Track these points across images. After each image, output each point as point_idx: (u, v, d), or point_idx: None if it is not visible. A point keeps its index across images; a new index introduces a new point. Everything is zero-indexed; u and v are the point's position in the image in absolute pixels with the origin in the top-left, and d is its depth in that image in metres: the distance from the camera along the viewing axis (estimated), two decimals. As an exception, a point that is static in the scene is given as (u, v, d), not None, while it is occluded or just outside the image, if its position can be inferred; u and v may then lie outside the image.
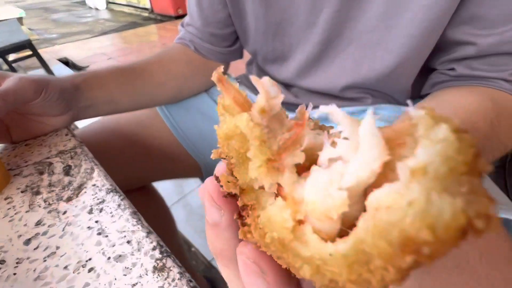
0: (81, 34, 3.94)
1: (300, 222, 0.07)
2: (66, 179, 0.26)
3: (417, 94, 0.38)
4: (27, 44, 1.86)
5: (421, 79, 0.36)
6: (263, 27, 0.41)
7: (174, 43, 0.50)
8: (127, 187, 0.50)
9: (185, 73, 0.48)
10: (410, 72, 0.34)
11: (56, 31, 4.28)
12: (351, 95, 0.39)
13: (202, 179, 0.59)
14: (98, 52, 3.01)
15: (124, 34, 3.83)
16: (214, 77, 0.10)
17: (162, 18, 4.61)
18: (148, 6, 4.90)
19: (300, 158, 0.08)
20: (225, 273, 0.11)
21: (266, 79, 0.09)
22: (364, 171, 0.06)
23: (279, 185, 0.08)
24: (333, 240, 0.07)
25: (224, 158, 0.09)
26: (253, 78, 0.10)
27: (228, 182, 0.09)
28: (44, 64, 2.07)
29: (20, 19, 3.33)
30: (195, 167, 0.55)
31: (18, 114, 0.32)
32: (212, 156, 0.11)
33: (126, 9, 5.60)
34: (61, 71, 2.40)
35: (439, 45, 0.31)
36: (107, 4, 5.95)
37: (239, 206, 0.09)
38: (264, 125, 0.08)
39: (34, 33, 4.13)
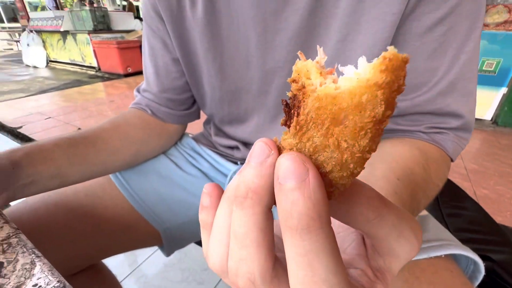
0: (15, 93, 3.61)
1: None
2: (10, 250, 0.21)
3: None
4: None
5: None
6: (219, 95, 0.44)
7: (129, 108, 0.50)
8: (74, 269, 0.43)
9: (142, 137, 0.47)
10: None
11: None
12: None
13: (161, 247, 0.54)
14: (34, 112, 2.76)
15: (66, 92, 3.64)
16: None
17: (110, 76, 4.57)
18: (94, 64, 4.85)
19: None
20: (253, 218, 0.12)
21: None
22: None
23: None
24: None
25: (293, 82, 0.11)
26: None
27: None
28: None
29: None
30: (154, 235, 0.50)
31: None
32: (288, 80, 0.12)
33: (69, 67, 5.44)
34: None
35: None
36: (47, 63, 5.71)
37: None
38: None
39: (-49, 93, 3.66)
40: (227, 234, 0.13)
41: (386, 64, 0.09)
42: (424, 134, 0.34)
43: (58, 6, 5.65)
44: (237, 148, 0.49)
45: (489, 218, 0.55)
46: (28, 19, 5.90)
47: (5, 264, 0.23)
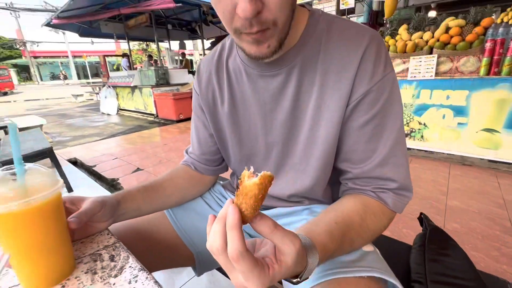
0: (92, 136, 4.43)
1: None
2: (112, 264, 0.42)
3: (336, 197, 0.59)
4: (48, 152, 2.16)
5: (338, 188, 0.57)
6: (238, 157, 0.65)
7: (180, 164, 0.74)
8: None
9: (187, 185, 0.69)
10: (321, 187, 0.56)
11: (70, 134, 4.80)
12: (294, 199, 0.59)
13: (194, 267, 0.72)
14: (105, 153, 3.36)
15: (130, 136, 4.33)
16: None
17: (165, 122, 5.32)
18: (154, 112, 5.71)
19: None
20: (242, 265, 0.28)
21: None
22: None
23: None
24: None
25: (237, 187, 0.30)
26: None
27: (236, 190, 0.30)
28: (57, 164, 2.32)
29: (40, 126, 3.82)
30: (189, 257, 0.69)
31: (81, 225, 0.50)
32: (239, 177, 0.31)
33: (134, 114, 6.45)
34: (70, 171, 2.65)
35: (338, 172, 0.55)
36: (118, 111, 6.89)
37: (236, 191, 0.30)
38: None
39: (49, 136, 4.61)
40: (213, 234, 0.31)
41: (262, 177, 0.28)
42: (371, 192, 0.49)
43: (131, 67, 6.98)
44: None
45: (471, 267, 0.62)
46: (108, 77, 7.36)
47: (115, 256, 0.44)
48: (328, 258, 0.39)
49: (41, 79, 31.32)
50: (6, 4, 19.26)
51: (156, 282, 0.38)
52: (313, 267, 0.35)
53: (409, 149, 2.74)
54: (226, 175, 0.82)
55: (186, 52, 8.80)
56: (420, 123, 2.61)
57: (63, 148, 3.77)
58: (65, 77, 26.86)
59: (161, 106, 5.39)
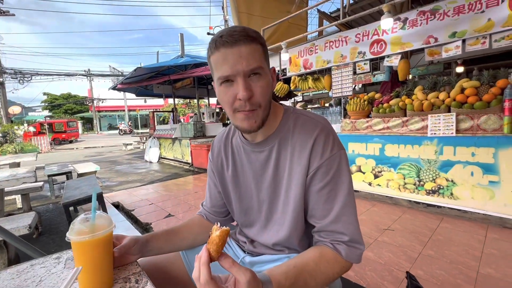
0: (134, 182, 4.94)
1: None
2: (136, 285, 0.61)
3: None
4: (98, 196, 2.54)
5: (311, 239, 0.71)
6: (239, 211, 0.84)
7: (196, 214, 0.94)
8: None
9: (199, 231, 0.88)
10: (296, 237, 0.70)
11: (116, 179, 5.40)
12: (278, 248, 0.74)
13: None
14: (143, 198, 3.73)
15: (166, 183, 4.74)
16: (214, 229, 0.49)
17: (198, 170, 5.74)
18: (189, 161, 6.23)
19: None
20: (198, 286, 0.45)
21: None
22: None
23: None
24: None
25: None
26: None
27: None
28: (103, 207, 2.68)
29: (94, 172, 4.41)
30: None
31: (120, 255, 0.70)
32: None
33: (172, 163, 7.05)
34: (113, 213, 3.01)
35: (310, 226, 0.70)
36: (159, 159, 7.62)
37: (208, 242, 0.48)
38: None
39: (100, 181, 5.23)
40: (194, 269, 0.49)
41: (222, 231, 0.47)
42: (329, 244, 0.63)
43: (175, 121, 7.92)
44: (245, 243, 0.84)
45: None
46: (155, 129, 8.38)
47: (139, 280, 0.63)
48: None
49: (100, 129, 36.20)
50: (85, 71, 23.95)
51: (169, 278, 0.55)
52: None
53: (439, 207, 2.62)
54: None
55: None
56: (447, 180, 2.54)
57: (109, 192, 4.26)
58: (130, 131, 29.04)
59: (196, 156, 5.90)
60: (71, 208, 2.89)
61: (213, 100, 10.20)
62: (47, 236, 2.66)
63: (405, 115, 2.82)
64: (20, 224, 1.91)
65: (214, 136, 6.43)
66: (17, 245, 1.34)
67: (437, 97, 2.63)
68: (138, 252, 0.72)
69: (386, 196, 3.00)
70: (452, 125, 2.45)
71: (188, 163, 6.32)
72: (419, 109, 2.67)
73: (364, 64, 3.18)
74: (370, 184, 3.12)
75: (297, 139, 0.68)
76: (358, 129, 3.15)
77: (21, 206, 3.40)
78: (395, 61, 2.88)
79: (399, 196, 2.90)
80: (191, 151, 6.08)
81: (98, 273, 0.57)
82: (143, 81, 7.14)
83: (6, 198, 3.25)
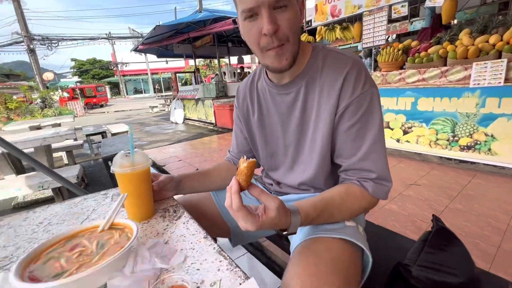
0: (163, 141, 5.20)
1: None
2: (174, 214, 0.67)
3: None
4: (132, 151, 2.73)
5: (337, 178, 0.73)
6: (265, 155, 0.86)
7: (224, 160, 0.98)
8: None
9: (227, 175, 0.92)
10: (322, 176, 0.72)
11: (147, 139, 5.71)
12: (303, 187, 0.76)
13: (230, 239, 0.94)
14: (172, 155, 3.95)
15: (192, 142, 4.93)
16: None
17: (222, 130, 5.85)
18: (213, 121, 6.34)
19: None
20: (240, 214, 0.49)
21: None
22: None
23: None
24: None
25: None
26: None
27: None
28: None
29: (126, 132, 4.70)
30: (227, 230, 0.92)
31: (159, 190, 0.77)
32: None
33: (196, 123, 7.23)
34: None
35: (336, 166, 0.70)
36: (184, 120, 7.84)
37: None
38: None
39: (131, 141, 5.57)
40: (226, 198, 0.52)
41: (249, 162, 0.48)
42: (356, 181, 0.63)
43: (197, 82, 7.90)
44: (271, 184, 0.87)
45: (469, 264, 0.68)
46: (178, 91, 8.47)
47: (177, 211, 0.69)
48: (310, 222, 0.56)
49: (127, 93, 37.41)
50: (106, 34, 23.98)
51: (199, 224, 0.61)
52: (296, 225, 0.53)
53: (472, 163, 2.49)
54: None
55: (244, 65, 9.50)
56: (486, 135, 2.37)
57: (142, 150, 4.56)
58: (159, 90, 29.95)
59: (219, 116, 5.98)
60: (110, 163, 3.15)
61: (234, 60, 9.90)
62: (92, 187, 2.98)
63: (445, 65, 2.54)
64: (69, 174, 2.13)
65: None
66: (71, 188, 1.52)
67: (487, 41, 2.31)
68: (173, 189, 0.78)
69: (415, 153, 2.89)
70: (501, 73, 2.18)
71: (212, 123, 6.45)
72: (463, 57, 2.39)
73: (402, 6, 2.82)
74: (398, 140, 3.01)
75: (326, 78, 0.65)
76: (389, 82, 2.94)
77: (67, 162, 3.79)
78: (439, 0, 2.51)
79: (429, 152, 2.78)
80: (214, 111, 6.15)
81: (140, 202, 0.64)
82: (163, 41, 7.03)
83: (54, 155, 3.61)
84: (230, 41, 8.06)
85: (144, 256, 0.46)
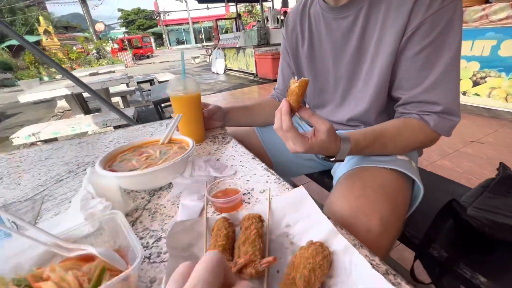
0: (205, 91, 5.33)
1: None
2: (223, 140, 0.71)
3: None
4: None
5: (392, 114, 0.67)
6: (312, 91, 0.82)
7: (269, 97, 0.97)
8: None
9: (271, 111, 0.92)
10: (374, 112, 0.66)
11: (190, 89, 5.91)
12: (352, 123, 0.73)
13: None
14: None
15: (233, 92, 4.97)
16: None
17: (263, 81, 5.73)
18: (254, 71, 6.19)
19: None
20: (290, 134, 0.48)
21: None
22: None
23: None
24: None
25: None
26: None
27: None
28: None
29: (172, 81, 4.91)
30: (269, 164, 0.95)
31: (208, 118, 0.81)
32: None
33: (237, 74, 7.16)
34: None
35: (392, 101, 0.64)
36: (225, 70, 7.80)
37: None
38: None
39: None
40: (275, 120, 0.52)
41: (301, 81, 0.45)
42: (416, 115, 0.58)
43: (238, 29, 7.56)
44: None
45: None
46: (219, 39, 8.27)
47: (225, 137, 0.73)
48: (360, 151, 0.54)
49: (170, 44, 37.91)
50: (148, -20, 23.49)
51: (246, 148, 0.64)
52: (345, 152, 0.51)
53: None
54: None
55: (289, 10, 8.68)
56: None
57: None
58: (202, 40, 30.07)
59: (260, 66, 5.79)
60: (159, 107, 3.38)
61: (277, 4, 9.07)
62: (146, 129, 3.29)
63: (550, -6, 1.99)
64: (127, 114, 2.36)
65: (278, 44, 6.04)
66: (132, 124, 1.70)
67: None
68: (221, 119, 0.82)
69: (484, 108, 2.52)
70: None
71: (253, 74, 6.32)
72: None
73: None
74: (464, 93, 2.62)
75: None
76: (467, 21, 2.44)
77: (123, 107, 4.18)
78: None
79: (502, 108, 2.39)
80: (255, 60, 5.96)
81: (192, 125, 0.68)
82: (204, -17, 6.64)
83: (111, 99, 3.99)
84: (274, -19, 7.29)
85: (200, 166, 0.50)
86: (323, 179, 0.97)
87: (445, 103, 0.55)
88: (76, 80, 1.45)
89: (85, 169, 0.61)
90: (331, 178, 0.77)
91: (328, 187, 0.93)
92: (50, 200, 0.49)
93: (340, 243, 0.29)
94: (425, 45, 0.54)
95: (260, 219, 0.34)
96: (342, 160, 0.54)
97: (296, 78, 0.48)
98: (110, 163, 0.50)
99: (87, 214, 0.35)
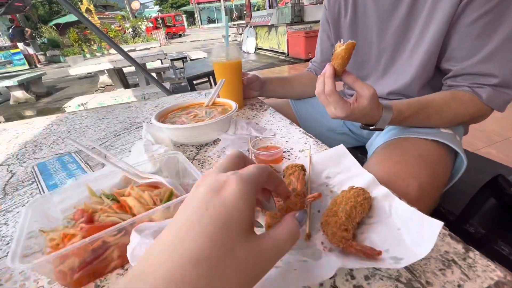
0: (235, 70, 5.34)
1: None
2: (260, 107, 0.74)
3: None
4: (210, 74, 2.92)
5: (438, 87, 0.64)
6: (352, 64, 0.80)
7: (306, 70, 0.97)
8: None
9: (307, 83, 0.92)
10: (418, 85, 0.63)
11: (220, 67, 5.96)
12: (393, 97, 0.71)
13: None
14: (245, 82, 4.08)
15: (263, 71, 4.91)
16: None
17: (294, 61, 5.57)
18: (285, 51, 6.03)
19: None
20: (332, 98, 0.49)
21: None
22: None
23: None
24: None
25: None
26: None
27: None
28: (211, 86, 3.12)
29: (204, 58, 4.97)
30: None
31: (247, 86, 0.84)
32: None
33: (268, 53, 7.02)
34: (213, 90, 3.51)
35: (439, 74, 0.61)
36: (255, 50, 7.68)
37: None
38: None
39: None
40: (318, 84, 0.52)
41: (347, 44, 0.45)
42: (467, 87, 0.54)
43: (271, 6, 7.31)
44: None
45: None
46: (251, 17, 8.09)
47: (263, 105, 0.75)
48: (401, 121, 0.54)
49: (201, 23, 37.87)
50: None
51: (283, 116, 0.67)
52: (386, 120, 0.51)
53: None
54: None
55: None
56: None
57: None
58: (234, 19, 29.70)
59: (292, 45, 5.61)
60: (193, 82, 3.48)
61: (314, -23, 8.52)
62: (179, 105, 3.43)
63: None
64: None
65: (313, 22, 5.77)
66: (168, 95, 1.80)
67: None
68: (258, 88, 0.84)
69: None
70: None
71: (284, 53, 6.16)
72: None
73: None
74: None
75: None
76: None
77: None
78: None
79: None
80: (287, 39, 5.78)
81: (233, 91, 0.72)
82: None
83: (147, 76, 4.19)
84: (312, -48, 6.83)
85: (243, 126, 0.54)
86: (356, 154, 0.97)
87: (502, 74, 0.51)
88: (125, 54, 1.55)
89: (138, 127, 0.68)
90: (365, 154, 0.77)
91: (361, 163, 0.93)
92: (112, 149, 0.57)
93: (380, 191, 0.31)
94: (484, 12, 0.50)
95: (302, 167, 0.37)
96: (382, 129, 0.54)
97: (342, 41, 0.47)
98: (163, 119, 0.56)
99: (150, 155, 0.41)
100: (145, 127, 0.51)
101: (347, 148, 0.45)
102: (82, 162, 0.52)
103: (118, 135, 0.64)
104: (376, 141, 0.66)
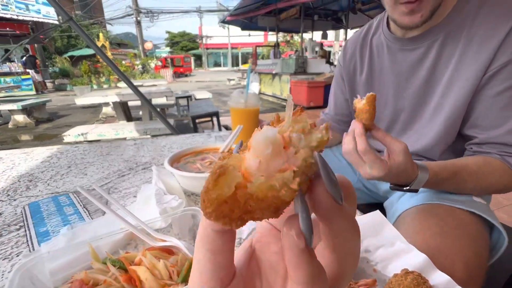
0: (238, 111, 5.50)
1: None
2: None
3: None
4: (214, 114, 2.98)
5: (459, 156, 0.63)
6: None
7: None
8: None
9: None
10: (440, 149, 0.62)
11: (224, 108, 6.13)
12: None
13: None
14: (247, 124, 4.16)
15: (264, 115, 5.06)
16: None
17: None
18: (287, 97, 6.31)
19: None
20: (367, 157, 0.45)
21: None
22: None
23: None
24: None
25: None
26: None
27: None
28: (218, 124, 3.16)
29: (208, 99, 5.14)
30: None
31: None
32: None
33: (270, 98, 7.34)
34: (222, 133, 3.55)
35: (462, 139, 0.60)
36: (258, 94, 8.06)
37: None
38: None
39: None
40: (346, 142, 0.50)
41: (368, 97, 0.43)
42: (497, 155, 0.53)
43: (276, 57, 7.88)
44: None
45: None
46: (256, 64, 8.65)
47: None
48: (437, 183, 0.50)
49: (208, 66, 40.41)
50: (196, 8, 25.90)
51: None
52: (422, 181, 0.47)
53: None
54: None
55: (326, 43, 8.92)
56: None
57: (221, 117, 4.95)
58: (245, 63, 31.23)
59: (295, 92, 5.89)
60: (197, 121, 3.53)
61: (317, 35, 9.39)
62: (179, 141, 3.43)
63: None
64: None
65: (315, 74, 6.17)
66: (175, 133, 1.79)
67: None
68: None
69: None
70: None
71: (286, 100, 6.43)
72: None
73: None
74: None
75: (480, 26, 0.53)
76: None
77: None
78: None
79: None
80: (290, 87, 6.09)
81: (250, 136, 0.69)
82: (249, 12, 7.15)
83: (151, 110, 4.27)
84: (316, 14, 7.63)
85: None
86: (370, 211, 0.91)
87: None
88: (135, 88, 1.59)
89: (144, 168, 0.63)
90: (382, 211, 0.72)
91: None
92: (116, 192, 0.52)
93: (440, 278, 0.26)
94: (510, 85, 0.51)
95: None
96: (417, 191, 0.50)
97: (359, 97, 0.46)
98: (176, 164, 0.52)
99: (162, 209, 0.36)
100: (156, 172, 0.47)
101: (361, 205, 0.41)
102: (81, 205, 0.46)
103: (122, 176, 0.59)
104: (400, 203, 0.62)
